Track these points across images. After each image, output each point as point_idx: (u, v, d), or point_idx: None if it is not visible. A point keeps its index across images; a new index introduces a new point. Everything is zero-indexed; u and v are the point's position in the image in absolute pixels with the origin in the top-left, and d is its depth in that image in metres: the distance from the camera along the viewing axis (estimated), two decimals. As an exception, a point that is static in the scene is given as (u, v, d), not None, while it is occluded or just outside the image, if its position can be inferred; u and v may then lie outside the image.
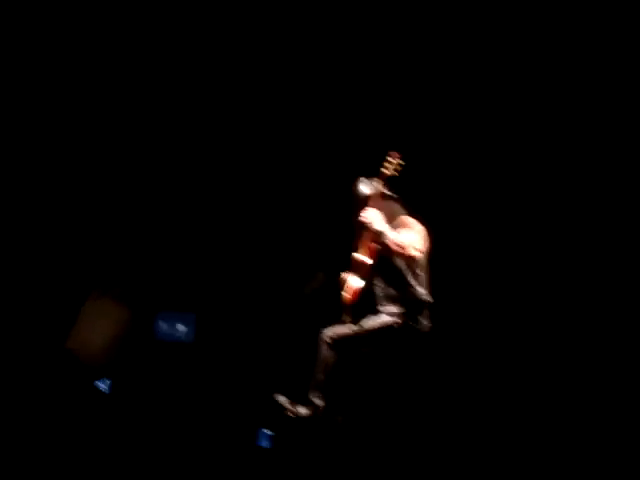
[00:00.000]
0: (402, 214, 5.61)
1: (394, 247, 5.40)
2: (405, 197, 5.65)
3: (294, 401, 5.50)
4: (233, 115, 7.24)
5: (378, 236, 5.43)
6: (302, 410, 5.46)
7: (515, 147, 7.04)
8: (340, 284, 5.66)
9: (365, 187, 5.59)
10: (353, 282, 5.59)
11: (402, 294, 5.47)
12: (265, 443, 6.14)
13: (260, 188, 7.30)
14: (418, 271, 5.48)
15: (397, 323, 5.43)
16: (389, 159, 5.47)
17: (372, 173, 5.55)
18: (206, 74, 7.19)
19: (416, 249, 5.43)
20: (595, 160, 6.90)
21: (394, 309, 5.46)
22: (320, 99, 7.12)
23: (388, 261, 5.47)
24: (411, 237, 5.46)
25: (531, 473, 6.22)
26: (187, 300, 7.40)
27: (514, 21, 6.86)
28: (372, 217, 5.46)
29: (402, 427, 5.77)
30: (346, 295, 5.62)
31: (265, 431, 6.01)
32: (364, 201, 5.54)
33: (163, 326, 7.40)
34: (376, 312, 5.52)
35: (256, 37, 7.06)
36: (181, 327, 7.41)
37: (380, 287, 5.55)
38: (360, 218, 5.48)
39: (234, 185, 7.31)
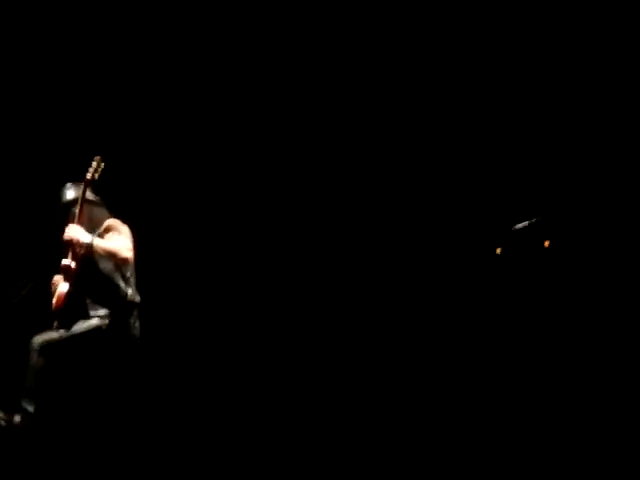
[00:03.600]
0: (107, 217, 5.69)
1: (106, 255, 5.48)
2: (108, 199, 5.75)
3: (5, 409, 5.47)
4: None
5: (87, 248, 5.49)
6: (14, 417, 5.45)
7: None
8: (51, 290, 5.67)
9: (69, 192, 5.65)
10: (60, 287, 5.62)
11: (110, 296, 5.56)
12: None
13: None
14: (127, 273, 5.60)
15: (105, 325, 5.52)
16: (93, 163, 5.54)
17: (78, 178, 5.61)
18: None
19: (127, 251, 5.54)
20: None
21: (102, 312, 5.55)
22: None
23: (94, 264, 5.55)
24: (120, 241, 5.56)
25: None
26: None
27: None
28: (75, 232, 5.50)
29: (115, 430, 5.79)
30: (54, 301, 5.63)
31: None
32: (69, 206, 5.60)
33: None
34: (85, 316, 5.58)
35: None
36: None
37: (88, 290, 5.61)
38: (64, 237, 5.52)
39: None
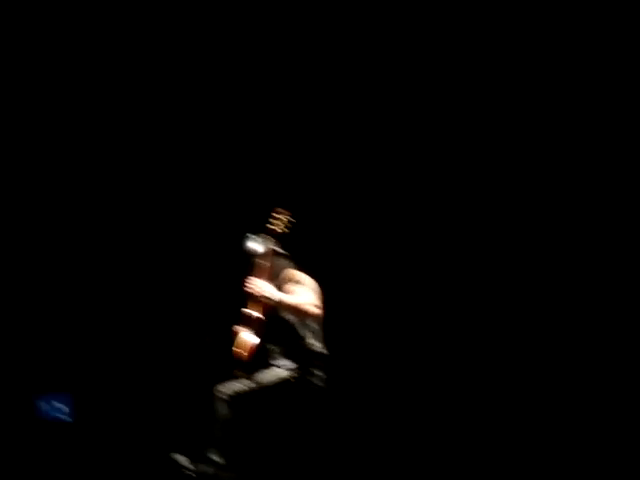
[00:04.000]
0: (292, 269, 5.74)
1: (292, 309, 5.52)
2: (294, 253, 5.80)
3: (193, 460, 5.50)
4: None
5: (275, 303, 5.54)
6: (203, 469, 5.46)
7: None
8: (232, 339, 5.73)
9: (256, 244, 5.71)
10: (248, 338, 5.65)
11: (296, 348, 5.58)
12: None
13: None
14: (313, 325, 5.62)
15: (293, 377, 5.53)
16: (276, 215, 5.61)
17: (257, 230, 5.69)
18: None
19: (314, 307, 5.57)
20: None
21: (289, 363, 5.56)
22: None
23: (280, 316, 5.59)
24: (307, 295, 5.59)
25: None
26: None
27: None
28: (263, 288, 5.54)
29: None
30: (240, 351, 5.66)
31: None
32: (255, 258, 5.67)
33: (44, 405, 7.28)
34: (269, 366, 5.61)
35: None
36: (60, 406, 7.30)
37: (273, 341, 5.64)
38: (250, 290, 5.57)
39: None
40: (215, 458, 5.45)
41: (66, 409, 7.26)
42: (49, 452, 6.93)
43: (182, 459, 5.48)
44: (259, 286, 5.56)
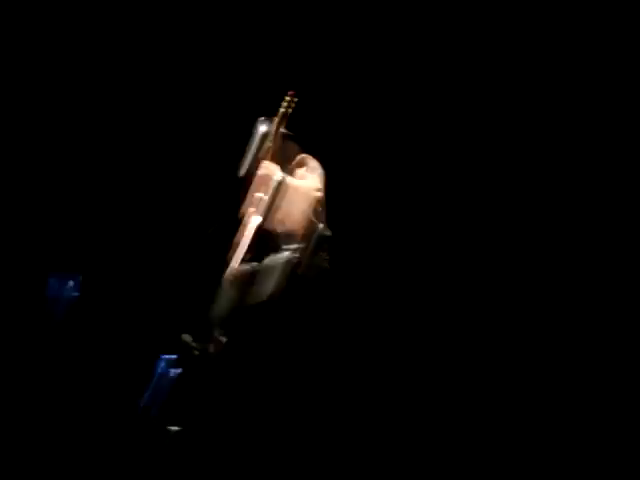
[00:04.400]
0: (298, 152, 5.74)
1: (297, 193, 5.53)
2: (300, 135, 5.78)
3: (198, 339, 5.59)
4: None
5: (279, 185, 5.55)
6: (208, 347, 5.56)
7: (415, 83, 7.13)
8: (240, 223, 5.75)
9: (263, 126, 5.69)
10: (253, 220, 5.70)
11: (301, 230, 5.61)
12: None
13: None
14: (318, 207, 5.63)
15: (296, 258, 5.57)
16: (287, 98, 5.57)
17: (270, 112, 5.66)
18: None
19: (317, 191, 5.59)
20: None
21: (294, 245, 5.60)
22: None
23: (285, 199, 5.59)
24: (312, 179, 5.63)
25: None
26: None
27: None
28: (268, 169, 5.58)
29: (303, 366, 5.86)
30: (246, 233, 5.72)
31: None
32: (262, 139, 5.66)
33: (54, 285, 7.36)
34: (276, 249, 5.65)
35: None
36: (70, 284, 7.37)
37: (280, 225, 5.67)
38: (259, 173, 5.59)
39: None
40: (220, 337, 5.56)
41: (74, 288, 7.34)
42: (59, 329, 7.02)
43: (187, 337, 5.59)
44: (266, 168, 5.58)
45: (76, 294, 7.03)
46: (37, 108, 7.03)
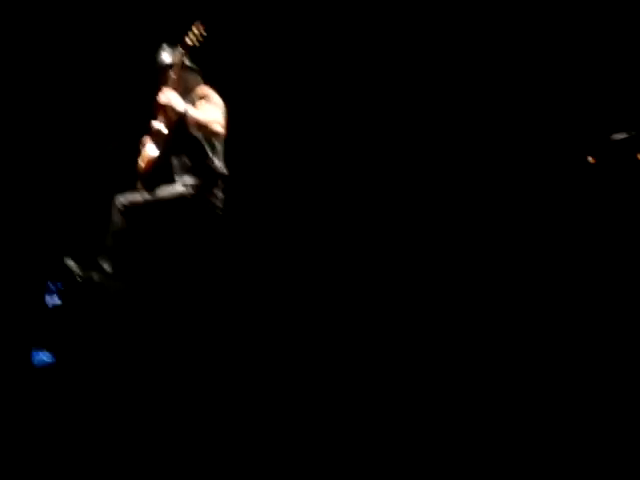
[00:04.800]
0: (201, 85, 5.64)
1: (197, 125, 5.44)
2: (204, 69, 5.67)
3: (83, 266, 5.51)
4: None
5: (180, 115, 5.44)
6: (91, 275, 5.49)
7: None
8: (138, 151, 5.66)
9: (167, 55, 5.59)
10: (149, 151, 5.61)
11: (198, 165, 5.53)
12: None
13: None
14: (216, 144, 5.55)
15: (190, 193, 5.50)
16: (193, 29, 5.45)
17: (174, 42, 5.53)
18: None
19: (218, 125, 5.49)
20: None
21: (189, 180, 5.52)
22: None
23: (186, 131, 5.50)
24: (213, 112, 5.50)
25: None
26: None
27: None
28: (171, 98, 5.45)
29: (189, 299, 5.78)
30: (141, 163, 5.63)
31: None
32: (165, 69, 5.55)
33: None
34: (171, 182, 5.57)
35: None
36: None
37: (177, 157, 5.58)
38: (159, 100, 5.48)
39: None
40: (104, 266, 5.49)
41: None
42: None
43: (72, 264, 5.49)
44: (167, 96, 5.48)
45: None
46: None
